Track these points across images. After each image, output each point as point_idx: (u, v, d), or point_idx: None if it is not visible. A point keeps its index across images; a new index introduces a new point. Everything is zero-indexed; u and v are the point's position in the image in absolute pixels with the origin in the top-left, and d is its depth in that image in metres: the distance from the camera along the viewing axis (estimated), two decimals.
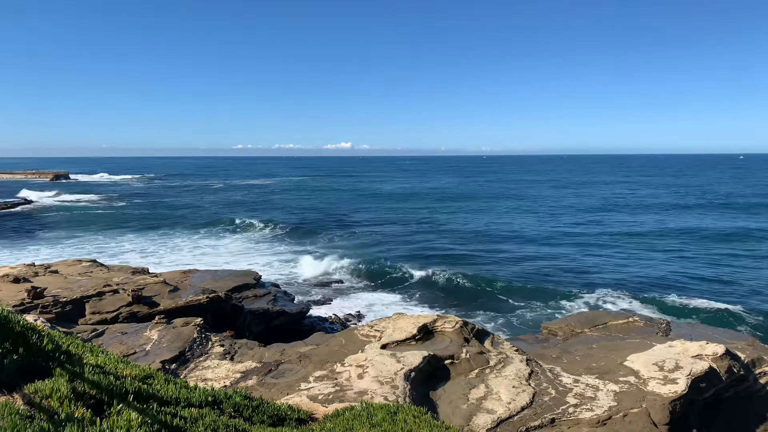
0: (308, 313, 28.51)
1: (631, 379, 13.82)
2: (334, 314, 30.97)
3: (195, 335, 17.44)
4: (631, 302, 34.45)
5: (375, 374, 13.42)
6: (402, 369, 13.66)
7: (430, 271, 43.25)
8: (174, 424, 5.45)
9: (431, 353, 14.88)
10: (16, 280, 23.41)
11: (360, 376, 13.37)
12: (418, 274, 42.38)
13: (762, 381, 15.31)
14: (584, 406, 12.63)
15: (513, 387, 13.43)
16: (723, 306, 33.69)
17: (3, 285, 22.72)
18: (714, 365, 14.34)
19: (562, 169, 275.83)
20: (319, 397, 12.14)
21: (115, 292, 22.64)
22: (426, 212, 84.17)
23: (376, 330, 17.17)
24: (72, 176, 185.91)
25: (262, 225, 67.57)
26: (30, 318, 13.66)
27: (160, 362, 15.16)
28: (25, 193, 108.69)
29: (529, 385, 13.65)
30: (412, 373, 13.63)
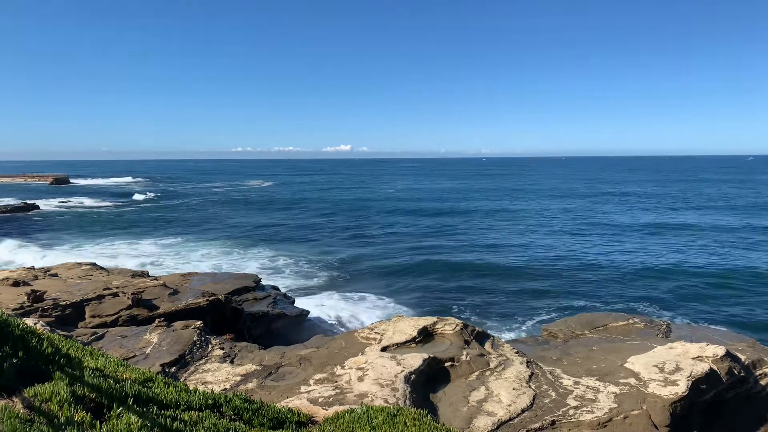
0: (308, 316, 28.49)
1: (632, 380, 13.81)
2: (334, 317, 30.95)
3: (195, 338, 17.42)
4: (631, 304, 34.44)
5: (375, 377, 13.40)
6: (402, 371, 13.65)
7: (429, 273, 43.25)
8: (174, 427, 5.44)
9: (431, 355, 14.87)
10: (16, 283, 23.38)
11: (360, 379, 13.35)
12: (417, 276, 42.36)
13: (762, 382, 15.29)
14: (585, 408, 12.62)
15: (513, 389, 13.41)
16: (723, 307, 33.73)
17: (3, 288, 22.70)
18: (714, 367, 14.33)
19: (562, 173, 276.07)
20: (320, 400, 12.12)
21: (115, 295, 22.61)
22: (424, 217, 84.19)
23: (376, 332, 17.16)
24: (72, 180, 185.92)
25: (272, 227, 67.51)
26: (30, 321, 13.64)
27: (160, 365, 15.13)
28: (24, 197, 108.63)
29: (530, 387, 13.64)
30: (413, 376, 13.61)
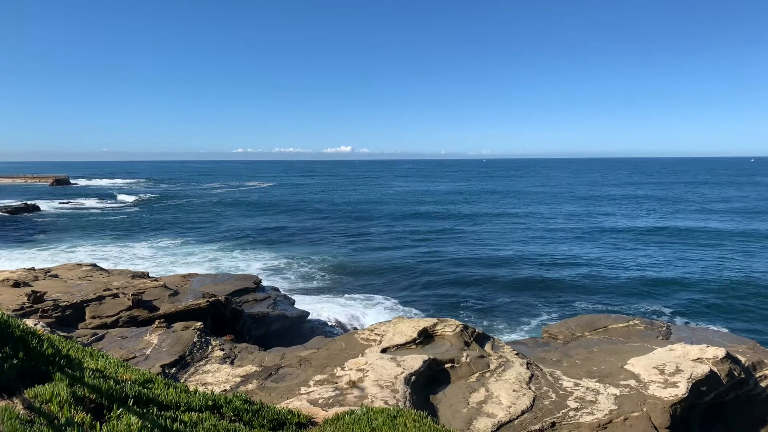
0: (308, 317, 28.48)
1: (632, 382, 13.80)
2: (334, 318, 30.95)
3: (195, 339, 17.42)
4: (631, 306, 34.43)
5: (375, 378, 13.40)
6: (402, 373, 13.64)
7: (430, 275, 43.24)
8: (174, 428, 5.45)
9: (431, 357, 14.86)
10: (16, 284, 23.39)
11: (360, 380, 13.35)
12: (418, 278, 42.37)
13: (762, 384, 15.28)
14: (585, 410, 12.61)
15: (513, 391, 13.41)
16: (723, 309, 33.70)
17: (3, 289, 22.71)
18: (714, 369, 14.33)
19: (564, 174, 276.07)
20: (320, 401, 12.12)
21: (115, 296, 22.62)
22: (425, 219, 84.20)
23: (376, 334, 17.15)
24: (72, 180, 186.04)
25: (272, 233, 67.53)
26: (30, 322, 13.65)
27: (160, 366, 15.14)
28: (26, 198, 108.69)
29: (530, 388, 13.63)
30: (413, 377, 13.61)
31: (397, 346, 16.05)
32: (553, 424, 12.09)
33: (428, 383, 14.11)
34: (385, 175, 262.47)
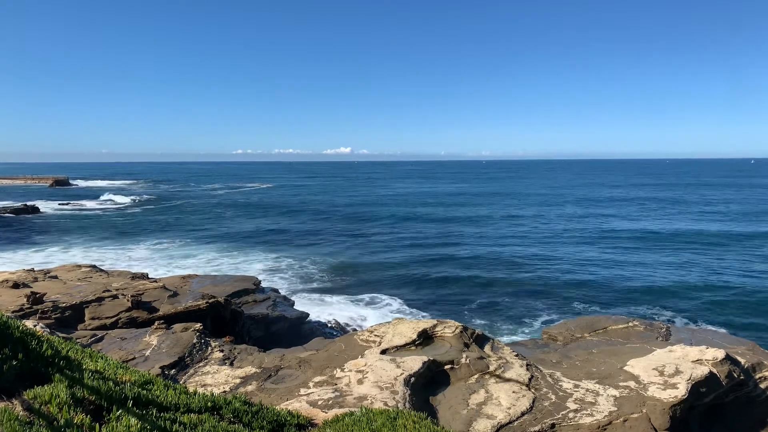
0: (308, 318, 28.48)
1: (632, 384, 13.80)
2: (333, 319, 30.93)
3: (194, 340, 17.41)
4: (631, 307, 34.43)
5: (375, 379, 13.39)
6: (402, 374, 13.63)
7: (429, 276, 43.24)
8: (173, 429, 5.45)
9: (431, 358, 14.85)
10: (16, 285, 23.38)
11: (360, 382, 13.34)
12: (418, 279, 42.36)
13: (762, 386, 15.28)
14: (584, 411, 12.61)
15: (513, 392, 13.40)
16: (723, 310, 33.71)
17: (2, 290, 22.70)
18: (714, 370, 14.32)
19: (564, 176, 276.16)
20: (319, 403, 12.11)
21: (115, 297, 22.62)
22: (425, 221, 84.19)
23: (375, 335, 17.15)
24: (72, 182, 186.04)
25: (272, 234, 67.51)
26: (29, 323, 13.65)
27: (160, 368, 15.13)
28: (25, 199, 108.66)
29: (529, 390, 13.63)
30: (412, 379, 13.60)
31: (396, 347, 16.04)
32: (552, 426, 12.08)
33: (428, 384, 14.10)
34: (385, 177, 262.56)
